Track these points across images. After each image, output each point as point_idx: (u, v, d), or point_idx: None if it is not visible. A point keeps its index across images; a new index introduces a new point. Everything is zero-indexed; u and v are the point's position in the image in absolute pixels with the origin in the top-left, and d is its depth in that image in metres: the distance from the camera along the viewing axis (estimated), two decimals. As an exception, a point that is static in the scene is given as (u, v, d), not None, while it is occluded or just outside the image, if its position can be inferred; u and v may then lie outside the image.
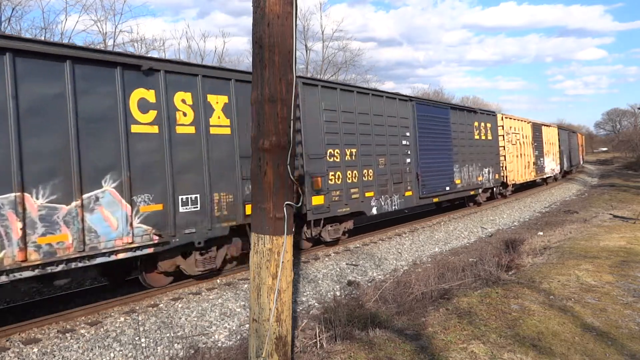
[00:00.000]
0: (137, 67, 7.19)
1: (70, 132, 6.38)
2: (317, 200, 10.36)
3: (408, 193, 13.78)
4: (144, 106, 7.27)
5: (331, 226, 11.25)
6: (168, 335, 6.58)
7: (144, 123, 7.26)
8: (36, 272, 6.04)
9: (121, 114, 6.94)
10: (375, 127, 12.46)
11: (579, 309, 6.25)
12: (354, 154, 11.56)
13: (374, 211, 12.29)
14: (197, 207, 7.89)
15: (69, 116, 6.38)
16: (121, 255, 6.92)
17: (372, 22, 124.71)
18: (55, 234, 6.17)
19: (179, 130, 7.73)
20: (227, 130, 8.52)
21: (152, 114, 7.37)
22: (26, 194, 5.92)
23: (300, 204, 4.64)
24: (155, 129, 7.40)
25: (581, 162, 52.62)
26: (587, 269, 8.20)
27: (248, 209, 8.66)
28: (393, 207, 13.08)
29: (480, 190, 18.98)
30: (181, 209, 7.65)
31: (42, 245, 6.06)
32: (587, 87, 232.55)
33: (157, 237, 7.28)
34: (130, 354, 6.04)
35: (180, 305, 7.62)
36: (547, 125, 30.44)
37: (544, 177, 29.25)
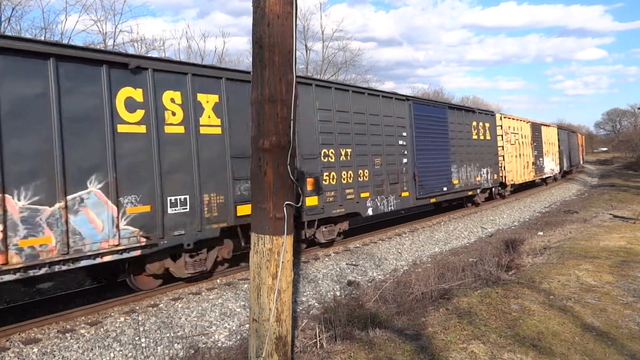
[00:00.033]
0: (124, 66, 7.04)
1: (53, 132, 6.21)
2: (311, 201, 10.19)
3: (405, 194, 13.61)
4: (131, 105, 7.11)
5: (326, 227, 11.08)
6: (168, 335, 6.57)
7: (131, 122, 7.10)
8: (18, 275, 5.89)
9: (107, 113, 6.78)
10: (371, 127, 12.30)
11: (579, 309, 6.21)
12: (349, 154, 11.40)
13: (370, 212, 12.12)
14: (186, 209, 7.72)
15: (52, 116, 6.22)
16: (107, 258, 6.75)
17: (372, 22, 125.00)
18: (38, 236, 6.01)
19: (168, 129, 7.57)
20: (218, 130, 8.35)
21: (140, 114, 7.21)
22: (7, 195, 5.77)
23: (300, 203, 4.65)
24: (142, 129, 7.23)
25: (581, 162, 52.50)
26: (587, 269, 8.14)
27: (239, 210, 8.50)
28: (389, 208, 12.92)
29: (478, 191, 18.83)
30: (170, 210, 7.47)
31: (24, 248, 5.90)
32: (587, 87, 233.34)
33: (144, 239, 7.11)
34: (130, 354, 6.02)
35: (180, 305, 7.58)
36: (546, 125, 30.30)
37: (544, 177, 29.07)
